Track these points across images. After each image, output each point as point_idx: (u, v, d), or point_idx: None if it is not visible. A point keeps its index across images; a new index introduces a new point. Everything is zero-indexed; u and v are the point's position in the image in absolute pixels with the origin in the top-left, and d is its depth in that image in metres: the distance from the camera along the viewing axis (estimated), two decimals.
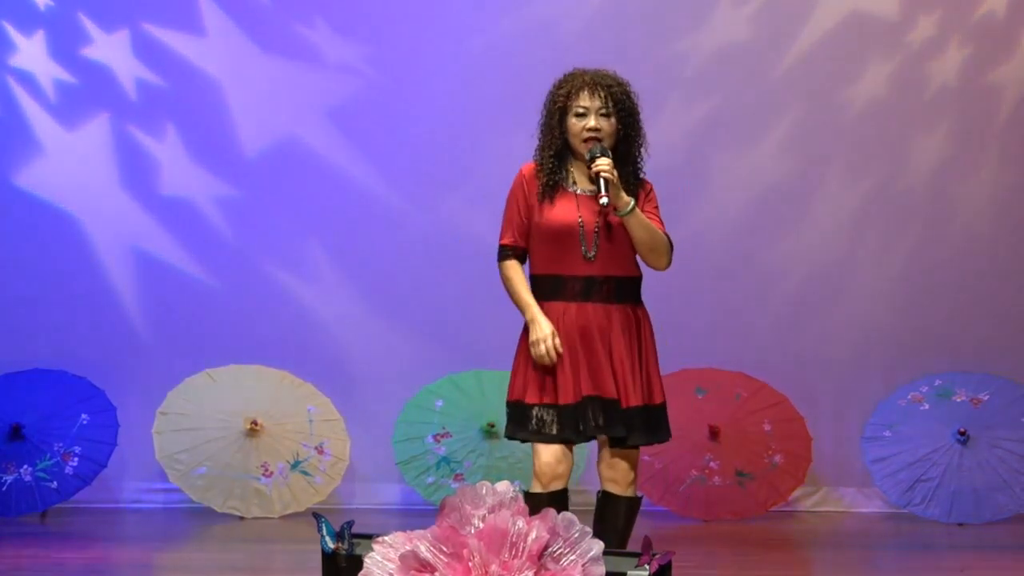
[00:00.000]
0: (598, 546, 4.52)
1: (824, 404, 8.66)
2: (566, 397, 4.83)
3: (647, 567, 4.64)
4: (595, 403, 4.82)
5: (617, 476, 4.88)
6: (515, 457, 7.81)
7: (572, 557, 4.50)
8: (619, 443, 4.88)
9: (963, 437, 8.13)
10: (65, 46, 8.61)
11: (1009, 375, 8.44)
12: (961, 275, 8.76)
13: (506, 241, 4.95)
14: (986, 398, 8.29)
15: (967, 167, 8.79)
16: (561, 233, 4.85)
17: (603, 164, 4.74)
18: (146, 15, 8.63)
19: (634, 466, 4.92)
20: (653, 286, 8.61)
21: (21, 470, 7.92)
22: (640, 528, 7.07)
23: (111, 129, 8.63)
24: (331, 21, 8.70)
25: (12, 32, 8.59)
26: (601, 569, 4.51)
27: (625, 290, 4.90)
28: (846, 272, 8.78)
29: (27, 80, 8.60)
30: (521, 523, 4.47)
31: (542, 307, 4.86)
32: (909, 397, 8.37)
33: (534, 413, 4.87)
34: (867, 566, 7.30)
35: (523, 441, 4.94)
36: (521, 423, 4.90)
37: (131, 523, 8.17)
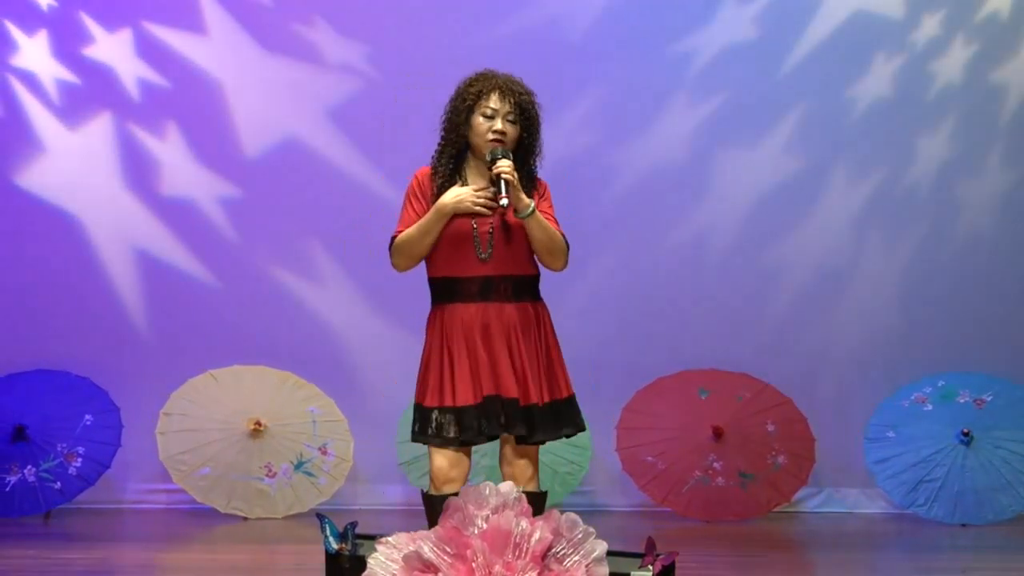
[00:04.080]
0: (601, 547, 4.51)
1: (827, 405, 8.65)
2: (466, 399, 4.85)
3: (650, 568, 4.63)
4: (496, 403, 4.84)
5: (517, 473, 4.90)
6: None
7: (576, 558, 4.50)
8: (522, 440, 4.90)
9: (966, 438, 8.13)
10: (67, 46, 8.61)
11: (1012, 376, 8.43)
12: (965, 275, 8.75)
13: (397, 231, 5.01)
14: (989, 399, 8.28)
15: (971, 166, 8.79)
16: (455, 237, 4.88)
17: (504, 166, 4.78)
18: (148, 15, 8.63)
19: (533, 462, 4.94)
20: (654, 286, 8.68)
21: (25, 471, 7.92)
22: (643, 529, 7.08)
23: (113, 129, 8.63)
24: (332, 21, 8.70)
25: (14, 31, 8.59)
26: (605, 570, 4.50)
27: (523, 288, 4.93)
28: (849, 272, 8.78)
29: (29, 80, 8.60)
30: (525, 524, 4.46)
31: (443, 308, 4.91)
32: (912, 398, 8.36)
33: (433, 417, 4.90)
34: (870, 567, 7.29)
35: (425, 444, 4.94)
36: (422, 427, 4.93)
37: (134, 524, 8.16)
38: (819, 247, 8.77)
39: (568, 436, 4.99)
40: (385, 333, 8.63)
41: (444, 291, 4.94)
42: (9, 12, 8.59)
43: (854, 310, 8.76)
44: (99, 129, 8.64)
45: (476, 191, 4.82)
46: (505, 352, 4.86)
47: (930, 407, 8.30)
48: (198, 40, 8.65)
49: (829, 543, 7.87)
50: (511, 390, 4.84)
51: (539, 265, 5.00)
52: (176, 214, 8.66)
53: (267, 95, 8.68)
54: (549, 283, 8.74)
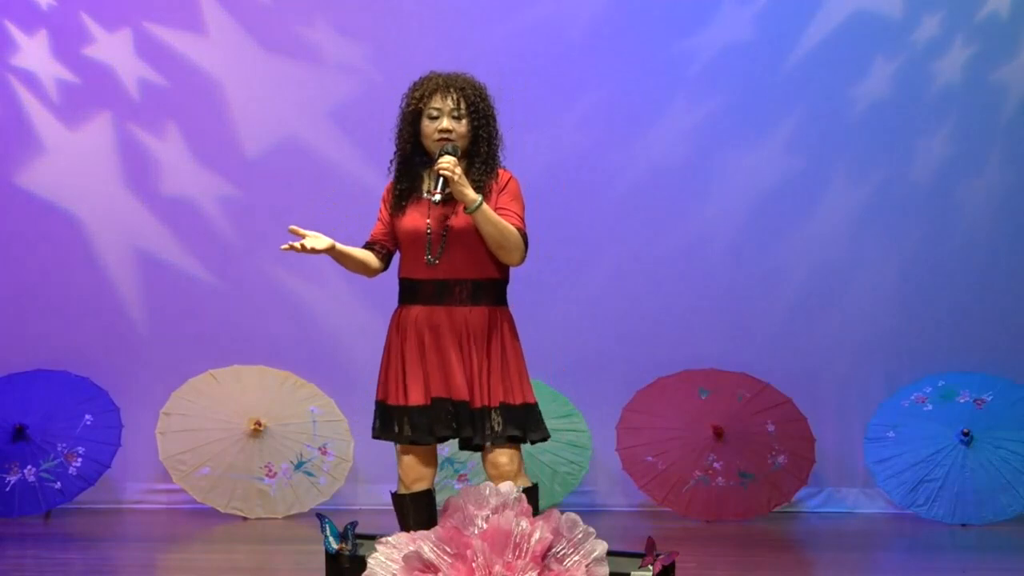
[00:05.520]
0: (601, 547, 4.51)
1: (827, 405, 8.65)
2: (416, 399, 4.85)
3: (650, 568, 4.63)
4: (445, 404, 4.83)
5: (502, 473, 4.85)
6: None
7: (576, 558, 4.50)
8: (465, 445, 4.88)
9: (966, 438, 8.12)
10: (67, 45, 8.61)
11: (1012, 376, 8.43)
12: (965, 275, 8.74)
13: (368, 239, 5.11)
14: (989, 399, 8.28)
15: (970, 167, 8.78)
16: (411, 239, 4.92)
17: (443, 163, 4.79)
18: (148, 14, 8.63)
19: (515, 459, 4.87)
20: (654, 286, 8.67)
21: (25, 470, 7.93)
22: (643, 529, 7.07)
23: (113, 128, 8.63)
24: (332, 20, 8.70)
25: (14, 31, 8.59)
26: (605, 570, 4.50)
27: (482, 292, 4.90)
28: (849, 272, 8.77)
29: (29, 79, 8.60)
30: (524, 524, 4.46)
31: (402, 310, 4.97)
32: (912, 398, 8.36)
33: (392, 415, 4.90)
34: (870, 567, 7.29)
35: (387, 441, 4.95)
36: (384, 424, 4.93)
37: (134, 524, 8.16)
38: (819, 247, 8.77)
39: (533, 442, 4.87)
40: (385, 332, 8.62)
41: (404, 291, 4.99)
42: (9, 12, 8.59)
43: (854, 310, 8.76)
44: (99, 129, 8.63)
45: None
46: (456, 354, 4.84)
47: (930, 407, 8.30)
48: (198, 40, 8.65)
49: (829, 543, 7.87)
50: (461, 393, 4.82)
51: (504, 270, 4.92)
52: (176, 214, 8.66)
53: (267, 95, 8.68)
54: (548, 282, 8.76)
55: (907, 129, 8.77)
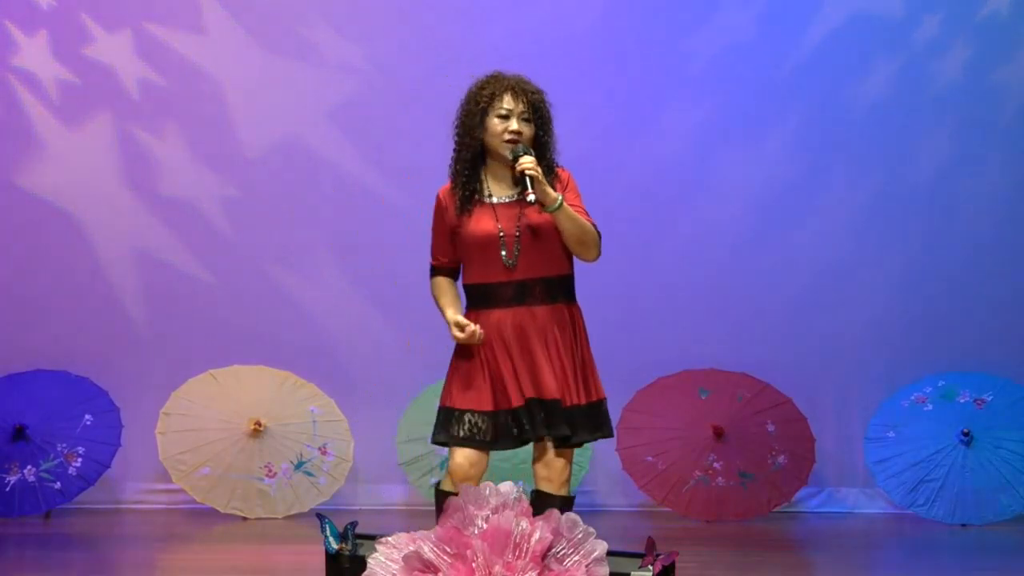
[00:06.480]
0: (601, 547, 4.51)
1: (827, 405, 8.65)
2: (505, 403, 4.84)
3: (650, 568, 4.63)
4: (537, 406, 4.82)
5: (552, 475, 4.86)
6: (519, 458, 7.80)
7: (576, 558, 4.50)
8: (562, 442, 4.87)
9: (966, 438, 8.13)
10: (67, 46, 8.61)
11: (1012, 376, 8.43)
12: (965, 275, 8.75)
13: (432, 262, 5.04)
14: (989, 399, 8.28)
15: (971, 167, 8.79)
16: (483, 244, 4.89)
17: (527, 162, 4.79)
18: (148, 15, 8.64)
19: (568, 465, 4.90)
20: (654, 286, 8.67)
21: (25, 471, 7.93)
22: (643, 529, 7.08)
23: (113, 129, 8.63)
24: (332, 20, 8.70)
25: (14, 32, 8.59)
26: (605, 570, 4.50)
27: (556, 289, 4.94)
28: (849, 272, 8.77)
29: (29, 79, 8.60)
30: (525, 524, 4.46)
31: (478, 316, 4.90)
32: (912, 398, 8.36)
33: (466, 419, 4.87)
34: (870, 567, 7.29)
35: (446, 445, 4.92)
36: (447, 427, 4.90)
37: (134, 524, 8.16)
38: (819, 247, 8.77)
39: (604, 437, 4.94)
40: (385, 332, 8.64)
41: (478, 297, 4.94)
42: (9, 12, 8.60)
43: (854, 310, 8.76)
44: (99, 129, 8.64)
45: (474, 326, 4.81)
46: (543, 354, 4.85)
47: (930, 407, 8.30)
48: (198, 40, 8.65)
49: (829, 543, 7.87)
50: (552, 391, 4.82)
51: (572, 265, 4.98)
52: (176, 214, 8.66)
53: (267, 95, 8.68)
54: None
55: (907, 129, 8.78)
